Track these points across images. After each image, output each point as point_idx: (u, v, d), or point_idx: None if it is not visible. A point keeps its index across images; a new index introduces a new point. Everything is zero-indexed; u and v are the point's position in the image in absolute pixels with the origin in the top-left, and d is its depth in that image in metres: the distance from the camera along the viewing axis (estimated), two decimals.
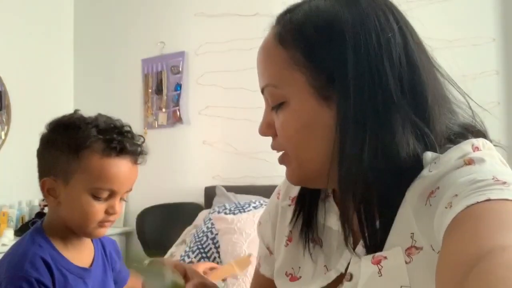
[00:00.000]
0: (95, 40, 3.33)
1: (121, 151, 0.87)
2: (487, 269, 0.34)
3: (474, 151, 0.51)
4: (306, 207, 0.65)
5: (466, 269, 0.35)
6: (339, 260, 0.60)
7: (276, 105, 0.57)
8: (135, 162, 0.90)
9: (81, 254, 0.92)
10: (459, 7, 2.35)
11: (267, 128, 0.59)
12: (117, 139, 0.86)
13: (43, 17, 3.15)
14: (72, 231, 0.89)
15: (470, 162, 0.48)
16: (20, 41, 2.95)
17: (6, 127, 2.88)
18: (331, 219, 0.63)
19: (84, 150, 0.85)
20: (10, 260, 0.83)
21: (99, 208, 0.86)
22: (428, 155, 0.53)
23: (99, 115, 0.91)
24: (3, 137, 2.86)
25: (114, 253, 1.01)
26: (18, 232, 2.57)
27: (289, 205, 0.69)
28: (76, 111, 0.92)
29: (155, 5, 3.12)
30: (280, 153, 0.61)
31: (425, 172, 0.51)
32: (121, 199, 0.90)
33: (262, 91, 0.59)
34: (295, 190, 0.69)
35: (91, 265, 0.93)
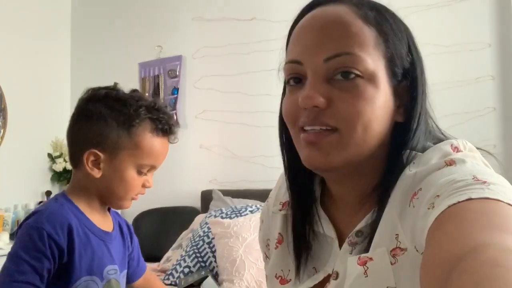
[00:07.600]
0: (92, 44, 3.33)
1: (166, 131, 0.94)
2: (470, 268, 0.34)
3: (453, 151, 0.52)
4: (299, 212, 0.65)
5: (449, 268, 0.36)
6: (327, 262, 0.60)
7: (347, 76, 0.53)
8: (171, 140, 0.98)
9: (103, 220, 0.96)
10: (455, 13, 2.36)
11: (323, 97, 0.53)
12: (163, 119, 0.94)
13: (40, 20, 3.15)
14: (101, 201, 0.95)
15: (451, 163, 0.49)
16: (17, 44, 2.94)
17: (2, 130, 2.86)
18: (320, 224, 0.63)
19: (135, 127, 0.91)
20: (36, 215, 0.86)
21: (139, 181, 0.93)
22: (408, 153, 0.54)
23: (137, 91, 0.98)
24: None
25: (126, 228, 1.05)
26: (14, 235, 2.55)
27: (280, 210, 0.69)
28: (115, 84, 0.97)
29: (153, 9, 3.13)
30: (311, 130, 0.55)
31: (406, 171, 0.53)
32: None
33: (330, 58, 0.53)
34: (286, 196, 0.69)
35: (112, 230, 0.98)
